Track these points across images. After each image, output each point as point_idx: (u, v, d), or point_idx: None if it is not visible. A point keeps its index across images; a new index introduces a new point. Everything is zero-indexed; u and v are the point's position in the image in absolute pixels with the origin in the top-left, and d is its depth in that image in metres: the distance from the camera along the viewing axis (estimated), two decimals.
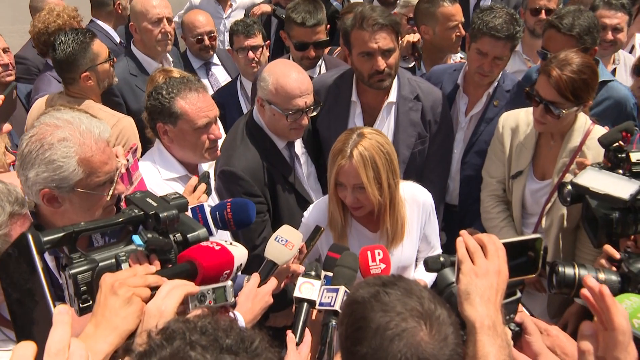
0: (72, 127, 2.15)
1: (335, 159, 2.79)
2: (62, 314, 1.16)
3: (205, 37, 4.98)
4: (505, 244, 1.71)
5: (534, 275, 1.89)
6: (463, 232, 1.75)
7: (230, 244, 1.77)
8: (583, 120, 3.24)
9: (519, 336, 1.90)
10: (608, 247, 2.25)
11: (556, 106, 3.05)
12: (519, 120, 3.43)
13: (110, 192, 2.25)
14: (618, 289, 2.05)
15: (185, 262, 1.68)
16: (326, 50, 4.96)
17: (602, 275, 2.09)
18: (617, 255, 2.21)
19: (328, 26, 4.39)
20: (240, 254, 1.77)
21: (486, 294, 1.58)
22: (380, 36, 3.40)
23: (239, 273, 1.84)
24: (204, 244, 1.73)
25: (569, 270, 2.07)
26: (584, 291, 1.55)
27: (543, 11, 4.69)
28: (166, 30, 4.55)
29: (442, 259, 2.07)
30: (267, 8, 5.99)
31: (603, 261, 2.24)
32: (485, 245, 1.67)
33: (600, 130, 3.18)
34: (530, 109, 3.27)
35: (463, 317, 1.58)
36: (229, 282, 1.70)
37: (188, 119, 2.95)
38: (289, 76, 3.24)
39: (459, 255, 1.67)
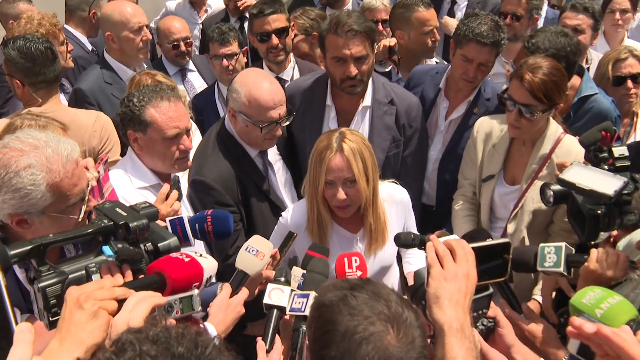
0: (38, 152, 2.07)
1: (322, 156, 2.78)
2: (23, 332, 1.14)
3: (181, 43, 4.96)
4: (474, 248, 1.73)
5: (503, 279, 1.93)
6: (432, 236, 1.77)
7: (200, 255, 1.76)
8: (554, 129, 3.30)
9: (492, 331, 1.94)
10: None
11: (530, 109, 3.10)
12: (493, 126, 3.49)
13: (83, 211, 2.20)
14: None
15: (153, 273, 1.67)
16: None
17: None
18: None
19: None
20: (209, 265, 1.75)
21: (455, 297, 1.60)
22: (354, 43, 3.41)
23: (213, 280, 1.84)
24: (174, 255, 1.72)
25: None
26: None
27: (509, 16, 4.79)
28: (147, 38, 4.54)
29: (412, 235, 2.11)
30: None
31: None
32: (454, 249, 1.69)
33: (570, 140, 3.25)
34: (505, 115, 3.30)
35: (432, 320, 1.60)
36: (196, 291, 1.69)
37: (157, 128, 2.92)
38: (261, 87, 3.19)
39: (428, 259, 1.69)
